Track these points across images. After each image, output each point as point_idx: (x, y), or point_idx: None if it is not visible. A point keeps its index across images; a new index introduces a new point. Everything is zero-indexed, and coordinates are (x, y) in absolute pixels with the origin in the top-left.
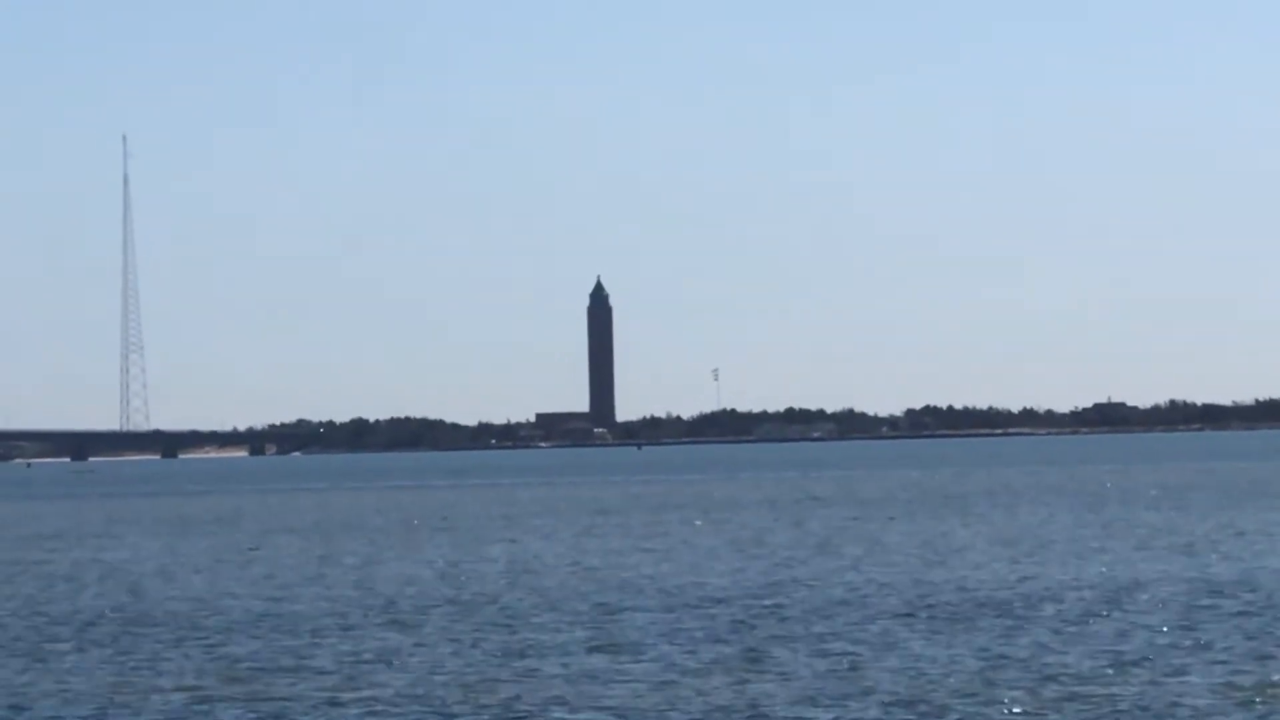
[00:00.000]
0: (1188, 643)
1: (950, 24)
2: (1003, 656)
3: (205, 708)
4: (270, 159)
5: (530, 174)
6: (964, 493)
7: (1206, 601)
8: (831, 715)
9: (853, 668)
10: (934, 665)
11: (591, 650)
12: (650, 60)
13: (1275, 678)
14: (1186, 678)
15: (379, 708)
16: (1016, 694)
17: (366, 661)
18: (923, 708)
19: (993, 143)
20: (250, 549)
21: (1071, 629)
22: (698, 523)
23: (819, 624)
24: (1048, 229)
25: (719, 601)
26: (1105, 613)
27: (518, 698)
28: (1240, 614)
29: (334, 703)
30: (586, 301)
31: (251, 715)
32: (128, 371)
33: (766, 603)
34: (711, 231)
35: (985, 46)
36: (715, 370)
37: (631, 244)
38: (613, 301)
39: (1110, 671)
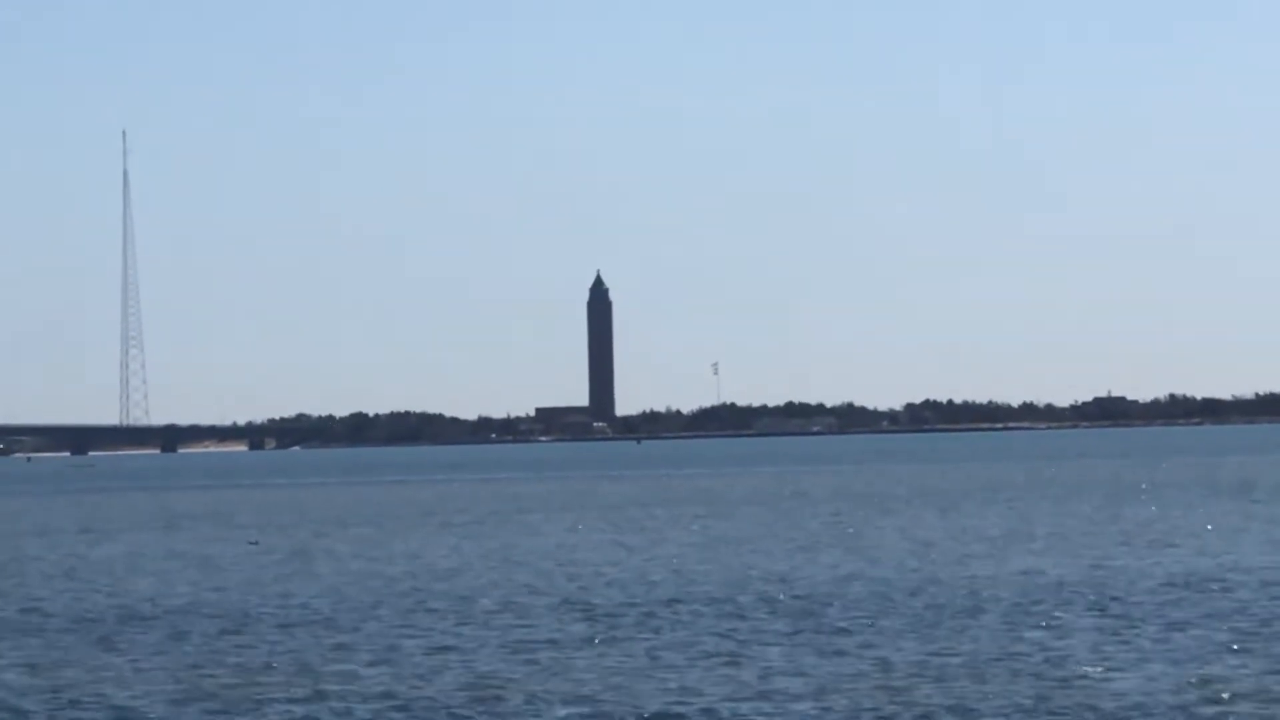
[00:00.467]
0: (1154, 637)
1: (952, 21)
2: (963, 650)
3: (194, 701)
4: (269, 154)
5: (530, 169)
6: (951, 488)
7: (1176, 595)
8: (793, 705)
9: (816, 658)
10: (901, 658)
11: (562, 643)
12: (651, 55)
13: (1233, 672)
14: (1149, 670)
15: (364, 702)
16: (986, 688)
17: (358, 656)
18: (894, 702)
19: (993, 139)
20: (250, 543)
21: (1038, 622)
22: (695, 528)
23: (781, 618)
24: (1049, 224)
25: (690, 597)
26: (1071, 606)
27: (501, 694)
28: (1210, 608)
29: (320, 696)
30: (586, 296)
31: (234, 710)
32: (127, 366)
33: (741, 598)
34: (711, 226)
35: (986, 42)
36: (715, 364)
37: (631, 238)
38: (612, 296)
39: (1066, 665)
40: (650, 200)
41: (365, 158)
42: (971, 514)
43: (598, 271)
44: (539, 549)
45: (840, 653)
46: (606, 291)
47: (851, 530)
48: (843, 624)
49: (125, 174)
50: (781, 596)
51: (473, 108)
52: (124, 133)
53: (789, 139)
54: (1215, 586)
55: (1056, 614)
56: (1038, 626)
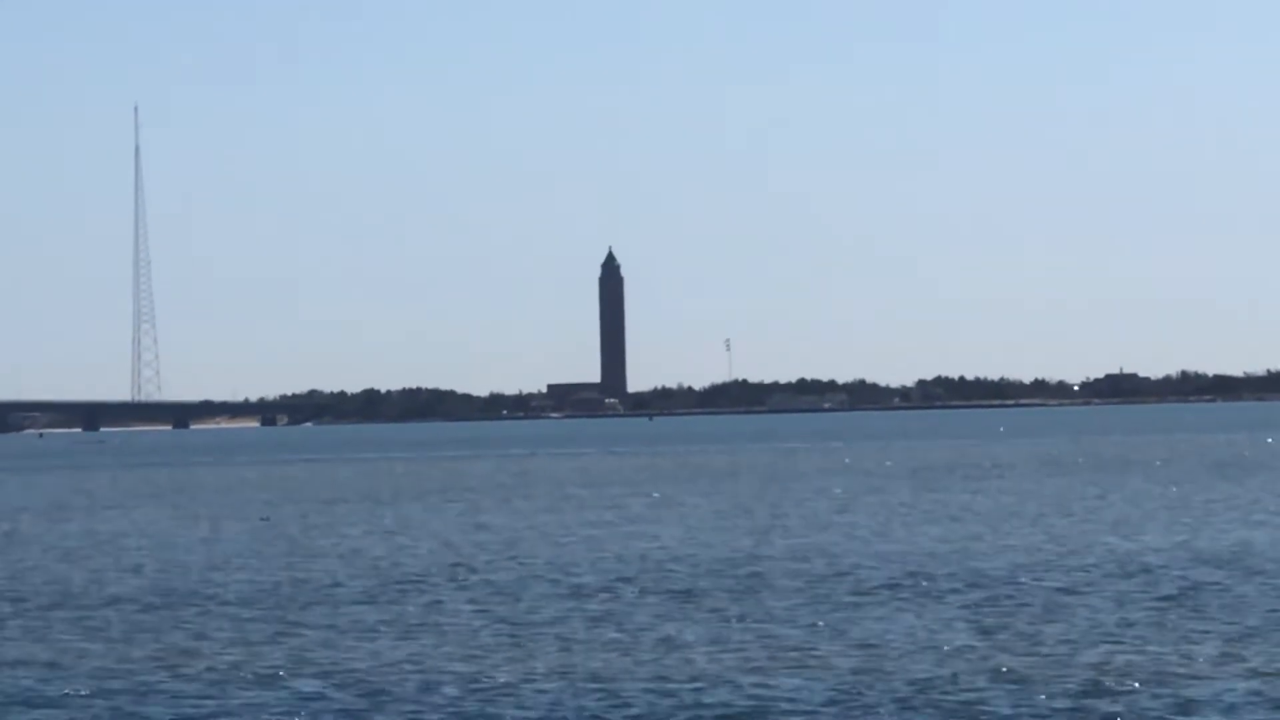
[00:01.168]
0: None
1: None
2: (895, 629)
3: (193, 678)
4: (281, 129)
5: (543, 145)
6: (936, 466)
7: (1099, 580)
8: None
9: (759, 637)
10: (869, 636)
11: (534, 622)
12: (662, 35)
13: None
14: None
15: (361, 680)
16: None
17: (356, 633)
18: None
19: (1002, 116)
20: (261, 519)
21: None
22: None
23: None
24: (1059, 200)
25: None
26: (982, 589)
27: (499, 667)
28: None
29: (317, 674)
30: (598, 272)
31: (226, 688)
32: (139, 342)
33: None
34: (723, 203)
35: (989, 25)
36: (727, 341)
37: (643, 215)
38: (624, 272)
39: (977, 645)
40: (662, 177)
41: (377, 135)
42: (951, 492)
43: (609, 248)
44: (536, 526)
45: (769, 627)
46: (618, 268)
47: (815, 508)
48: (781, 598)
49: (137, 148)
50: (744, 574)
51: (484, 84)
52: (136, 107)
53: (800, 118)
54: (1140, 568)
55: (1003, 591)
56: (976, 604)
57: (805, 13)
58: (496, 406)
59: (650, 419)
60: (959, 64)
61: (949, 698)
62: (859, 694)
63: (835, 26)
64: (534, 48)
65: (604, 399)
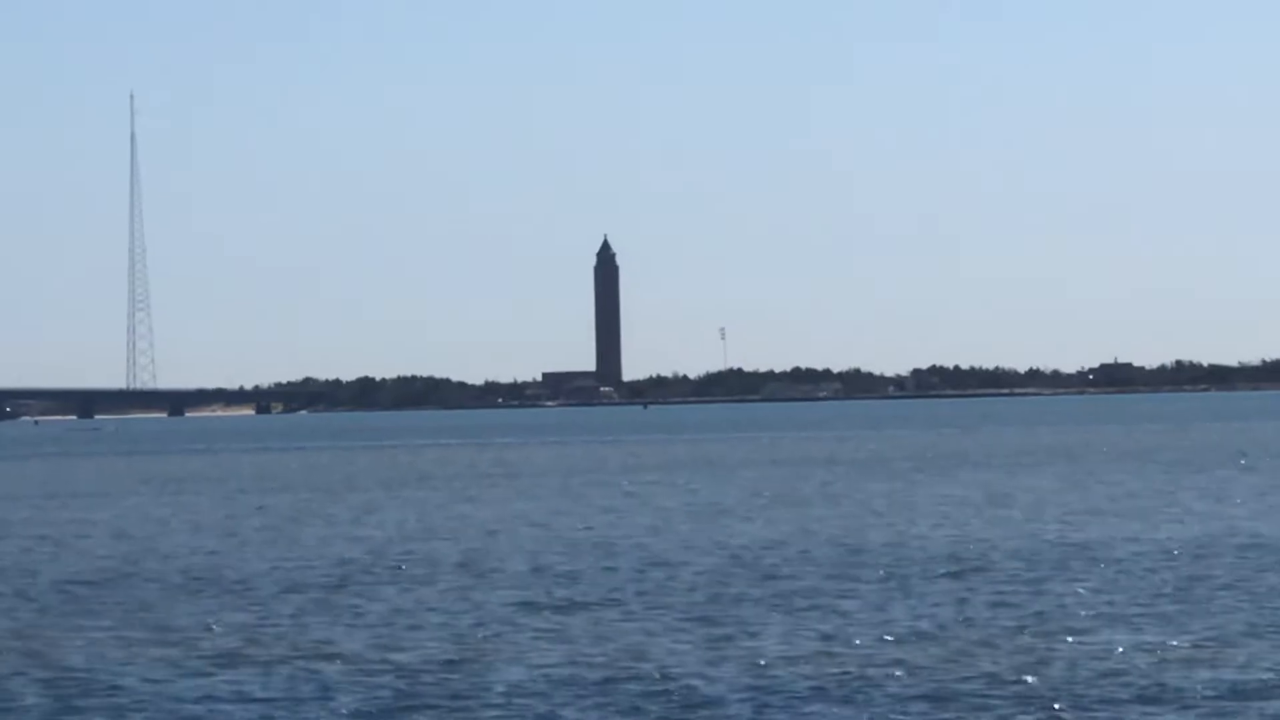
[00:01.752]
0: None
1: None
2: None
3: (185, 667)
4: (278, 117)
5: (538, 133)
6: (918, 456)
7: (1053, 571)
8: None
9: (708, 626)
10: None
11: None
12: (659, 21)
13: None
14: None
15: (353, 670)
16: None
17: (337, 623)
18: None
19: (1000, 105)
20: (256, 508)
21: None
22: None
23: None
24: (1053, 190)
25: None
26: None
27: (484, 656)
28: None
29: (287, 660)
30: (593, 260)
31: (215, 675)
32: (134, 329)
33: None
34: (718, 190)
35: (987, 21)
36: (722, 329)
37: (638, 203)
38: (619, 260)
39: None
40: (657, 164)
41: (373, 123)
42: (923, 482)
43: (604, 236)
44: (526, 514)
45: (733, 616)
46: (613, 256)
47: (790, 499)
48: (752, 587)
49: (133, 136)
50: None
51: (480, 73)
52: (131, 94)
53: (797, 104)
54: (1096, 556)
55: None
56: (913, 594)
57: (805, 7)
58: (491, 395)
59: (645, 407)
60: (960, 58)
61: (939, 691)
62: (838, 686)
63: (835, 21)
64: (530, 39)
65: (599, 387)
